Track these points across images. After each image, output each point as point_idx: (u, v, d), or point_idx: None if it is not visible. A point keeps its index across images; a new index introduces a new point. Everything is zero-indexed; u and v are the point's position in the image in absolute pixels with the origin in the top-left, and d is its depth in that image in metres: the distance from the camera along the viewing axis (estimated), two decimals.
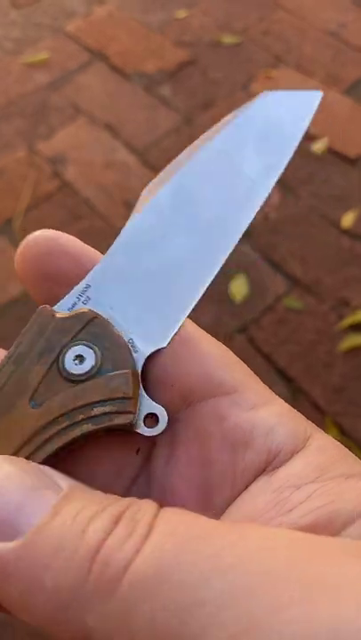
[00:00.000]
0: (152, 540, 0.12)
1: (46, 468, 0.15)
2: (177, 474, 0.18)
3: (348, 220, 1.26)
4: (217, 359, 0.19)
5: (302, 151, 1.37)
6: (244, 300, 1.17)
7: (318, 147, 1.36)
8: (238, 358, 0.20)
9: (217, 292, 1.18)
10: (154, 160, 1.36)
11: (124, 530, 0.13)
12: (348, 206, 1.29)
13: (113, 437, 0.18)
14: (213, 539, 0.12)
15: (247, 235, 1.24)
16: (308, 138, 1.39)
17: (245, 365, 0.19)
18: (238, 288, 1.18)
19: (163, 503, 0.14)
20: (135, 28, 1.60)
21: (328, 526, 0.15)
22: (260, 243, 1.24)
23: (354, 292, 1.19)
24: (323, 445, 0.17)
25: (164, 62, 1.53)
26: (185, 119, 1.42)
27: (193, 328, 0.20)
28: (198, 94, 1.47)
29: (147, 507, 0.14)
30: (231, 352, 0.20)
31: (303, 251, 1.24)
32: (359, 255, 1.23)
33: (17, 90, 1.49)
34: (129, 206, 1.29)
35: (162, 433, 0.17)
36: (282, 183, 1.32)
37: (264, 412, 0.17)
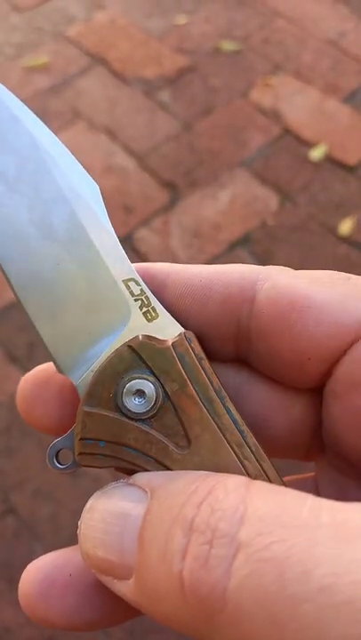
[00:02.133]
0: (241, 556, 0.11)
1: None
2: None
3: (345, 227, 1.27)
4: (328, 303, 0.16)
5: (301, 158, 1.38)
6: None
7: (317, 154, 1.37)
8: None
9: None
10: (153, 165, 1.37)
11: (198, 546, 0.11)
12: (347, 213, 1.30)
13: None
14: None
15: (245, 241, 1.25)
16: (307, 145, 1.40)
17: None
18: None
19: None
20: (136, 34, 1.61)
21: None
22: (258, 249, 1.25)
23: None
24: None
25: (164, 68, 1.54)
26: (184, 125, 1.43)
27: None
28: (198, 101, 1.48)
29: (229, 496, 0.12)
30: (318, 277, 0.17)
31: (301, 257, 1.25)
32: (356, 262, 1.24)
33: (17, 94, 1.49)
34: (128, 211, 1.29)
35: None
36: (280, 190, 1.33)
37: None
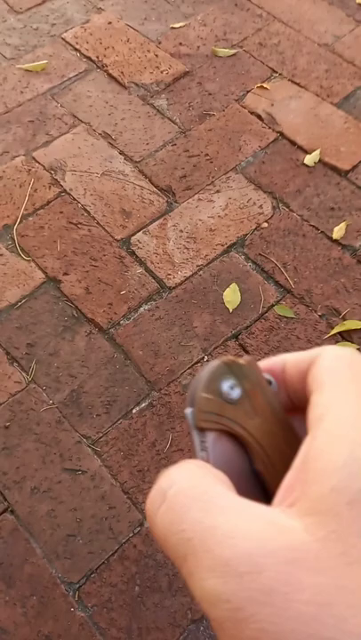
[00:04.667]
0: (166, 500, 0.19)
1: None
2: None
3: (339, 231, 1.29)
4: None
5: (295, 163, 1.40)
6: (237, 309, 1.20)
7: (311, 159, 1.39)
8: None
9: (212, 300, 1.21)
10: (150, 170, 1.38)
11: (157, 496, 0.20)
12: (340, 218, 1.32)
13: None
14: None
15: (240, 245, 1.27)
16: (301, 150, 1.42)
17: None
18: (231, 297, 1.21)
19: None
20: (133, 38, 1.62)
21: None
22: (253, 253, 1.27)
23: (343, 302, 1.22)
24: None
25: (161, 73, 1.55)
26: (181, 130, 1.45)
27: None
28: (194, 105, 1.50)
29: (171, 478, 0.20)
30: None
31: (295, 261, 1.27)
32: (349, 266, 1.26)
33: (15, 97, 1.51)
34: (126, 214, 1.31)
35: None
36: (274, 195, 1.35)
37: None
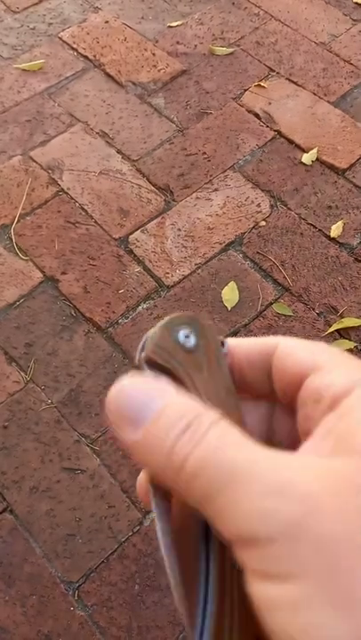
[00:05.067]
0: (202, 446, 0.19)
1: (155, 381, 0.22)
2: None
3: (336, 229, 1.30)
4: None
5: (292, 161, 1.40)
6: (236, 307, 1.20)
7: (308, 157, 1.39)
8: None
9: (210, 298, 1.21)
10: (147, 168, 1.38)
11: (190, 434, 0.20)
12: (337, 216, 1.32)
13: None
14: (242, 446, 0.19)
15: (238, 243, 1.27)
16: (299, 148, 1.42)
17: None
18: (230, 295, 1.21)
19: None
20: (130, 37, 1.62)
21: None
22: (251, 251, 1.27)
23: (341, 300, 1.22)
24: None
25: (158, 71, 1.55)
26: (178, 129, 1.45)
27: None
28: (191, 104, 1.50)
29: (208, 416, 0.20)
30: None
31: (292, 259, 1.27)
32: (347, 264, 1.26)
33: (12, 96, 1.50)
34: (124, 213, 1.31)
35: None
36: (272, 193, 1.35)
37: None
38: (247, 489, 0.18)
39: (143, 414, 0.21)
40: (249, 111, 1.48)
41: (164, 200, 1.33)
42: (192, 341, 0.25)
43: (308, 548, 0.17)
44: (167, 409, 0.20)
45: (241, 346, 0.26)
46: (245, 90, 1.52)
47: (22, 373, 1.12)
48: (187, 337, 0.25)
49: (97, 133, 1.44)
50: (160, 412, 0.20)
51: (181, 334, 0.25)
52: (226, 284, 1.22)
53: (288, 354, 0.24)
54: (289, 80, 1.54)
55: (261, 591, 0.18)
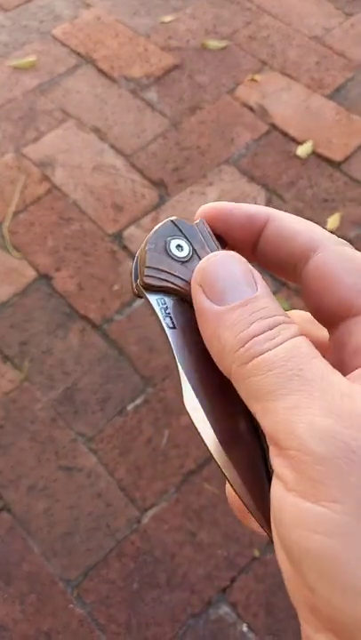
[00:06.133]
0: (283, 346, 0.19)
1: (254, 271, 0.22)
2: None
3: (333, 222, 1.29)
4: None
5: (287, 154, 1.39)
6: None
7: (303, 150, 1.38)
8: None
9: None
10: (141, 163, 1.37)
11: (273, 333, 0.20)
12: (334, 209, 1.31)
13: None
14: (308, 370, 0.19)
15: None
16: (294, 141, 1.41)
17: None
18: None
19: None
20: (122, 32, 1.61)
21: None
22: None
23: None
24: None
25: (151, 66, 1.54)
26: (172, 123, 1.44)
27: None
28: (185, 98, 1.49)
29: (293, 328, 0.20)
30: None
31: None
32: None
33: (4, 94, 1.49)
34: (118, 208, 1.30)
35: None
36: (267, 186, 1.34)
37: None
38: (314, 404, 0.18)
39: (238, 293, 0.21)
40: (243, 105, 1.47)
41: (159, 195, 1.32)
42: (185, 251, 0.23)
43: (360, 477, 0.17)
44: (261, 300, 0.21)
45: (221, 214, 0.25)
46: (239, 84, 1.51)
47: (17, 372, 1.11)
48: (179, 248, 0.23)
49: (90, 129, 1.43)
50: (254, 299, 0.21)
51: (173, 245, 0.23)
52: None
53: (287, 238, 0.24)
54: (283, 73, 1.53)
55: (295, 505, 0.17)
